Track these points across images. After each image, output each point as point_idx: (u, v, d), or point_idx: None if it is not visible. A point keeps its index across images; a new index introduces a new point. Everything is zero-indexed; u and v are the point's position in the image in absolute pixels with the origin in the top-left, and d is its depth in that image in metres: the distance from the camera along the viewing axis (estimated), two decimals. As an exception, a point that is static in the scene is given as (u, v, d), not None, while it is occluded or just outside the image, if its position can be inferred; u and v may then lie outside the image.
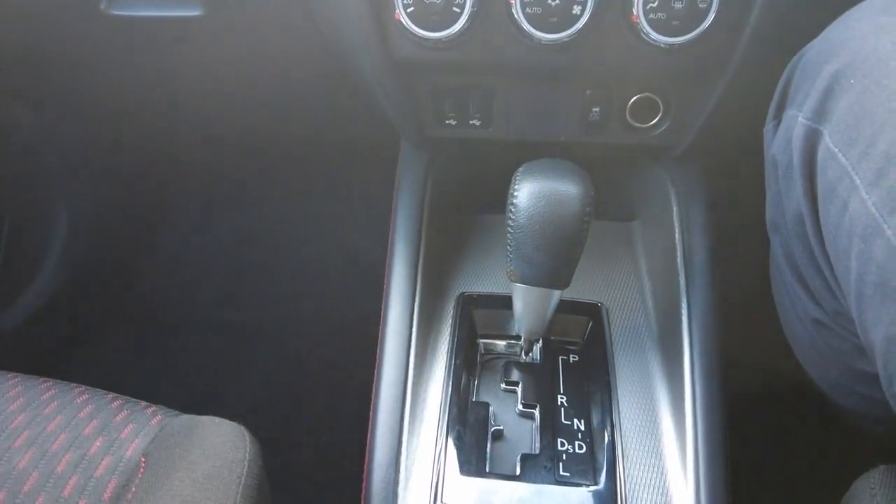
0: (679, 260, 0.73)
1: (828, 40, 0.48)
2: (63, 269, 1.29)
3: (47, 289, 1.27)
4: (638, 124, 0.74)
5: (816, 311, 0.53)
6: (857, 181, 0.40)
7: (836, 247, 0.43)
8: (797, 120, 0.47)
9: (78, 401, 0.59)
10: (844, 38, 0.45)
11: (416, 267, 0.74)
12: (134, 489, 0.51)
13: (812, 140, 0.45)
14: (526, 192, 0.55)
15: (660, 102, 0.72)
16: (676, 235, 0.75)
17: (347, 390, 1.25)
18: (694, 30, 0.61)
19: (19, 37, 0.89)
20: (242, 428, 0.55)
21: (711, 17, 0.60)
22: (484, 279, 0.79)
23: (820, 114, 0.45)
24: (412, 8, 0.61)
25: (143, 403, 0.61)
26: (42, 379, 0.63)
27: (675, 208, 0.76)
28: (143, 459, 0.54)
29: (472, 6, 0.61)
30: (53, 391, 0.61)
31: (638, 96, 0.71)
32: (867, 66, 0.42)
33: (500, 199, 0.59)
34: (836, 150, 0.42)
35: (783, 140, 0.50)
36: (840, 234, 0.42)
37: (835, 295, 0.49)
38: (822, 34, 0.49)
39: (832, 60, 0.45)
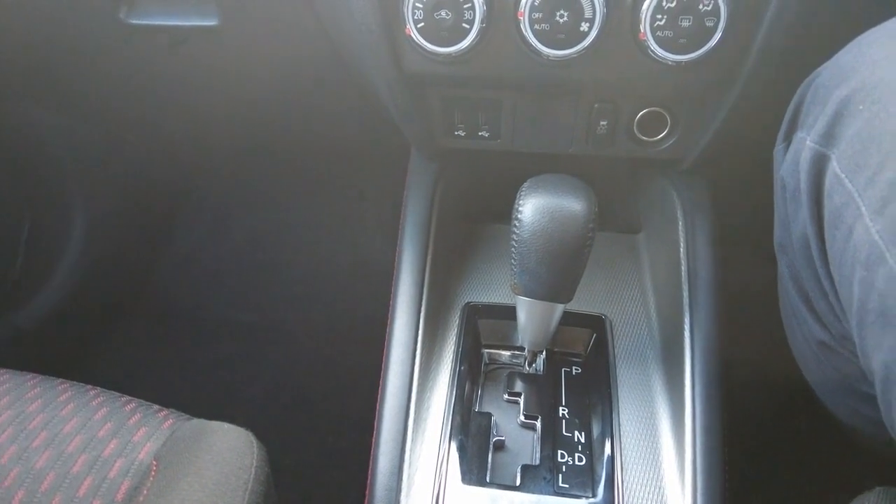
0: (683, 274, 0.73)
1: (839, 65, 0.47)
2: (79, 270, 1.31)
3: (64, 289, 1.29)
4: (645, 138, 0.74)
5: (823, 333, 0.53)
6: (863, 208, 0.40)
7: (841, 272, 0.43)
8: (805, 143, 0.47)
9: (93, 403, 0.61)
10: (856, 63, 0.45)
11: (422, 276, 0.75)
12: (145, 492, 0.53)
13: (820, 164, 0.45)
14: (530, 208, 0.56)
15: (667, 117, 0.72)
16: (681, 249, 0.75)
17: (356, 392, 1.27)
18: (701, 48, 0.61)
19: (40, 43, 0.92)
20: (250, 434, 0.57)
21: (719, 35, 0.60)
22: (490, 289, 0.80)
23: (828, 138, 0.45)
24: (422, 24, 0.62)
25: (156, 407, 0.63)
26: (60, 381, 0.65)
27: (680, 222, 0.76)
28: (154, 462, 0.56)
29: (482, 22, 0.61)
30: (70, 393, 0.63)
31: (646, 110, 0.72)
32: (877, 93, 0.41)
33: (508, 209, 0.59)
34: (843, 175, 0.42)
35: (792, 163, 0.49)
36: (844, 260, 0.42)
37: (840, 319, 0.48)
38: (833, 58, 0.49)
39: (842, 85, 0.45)
